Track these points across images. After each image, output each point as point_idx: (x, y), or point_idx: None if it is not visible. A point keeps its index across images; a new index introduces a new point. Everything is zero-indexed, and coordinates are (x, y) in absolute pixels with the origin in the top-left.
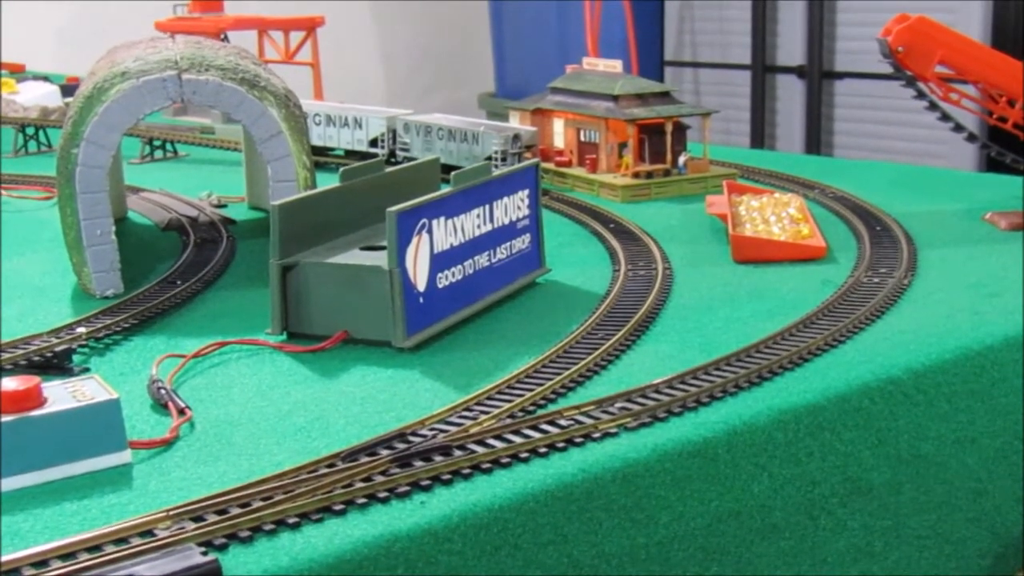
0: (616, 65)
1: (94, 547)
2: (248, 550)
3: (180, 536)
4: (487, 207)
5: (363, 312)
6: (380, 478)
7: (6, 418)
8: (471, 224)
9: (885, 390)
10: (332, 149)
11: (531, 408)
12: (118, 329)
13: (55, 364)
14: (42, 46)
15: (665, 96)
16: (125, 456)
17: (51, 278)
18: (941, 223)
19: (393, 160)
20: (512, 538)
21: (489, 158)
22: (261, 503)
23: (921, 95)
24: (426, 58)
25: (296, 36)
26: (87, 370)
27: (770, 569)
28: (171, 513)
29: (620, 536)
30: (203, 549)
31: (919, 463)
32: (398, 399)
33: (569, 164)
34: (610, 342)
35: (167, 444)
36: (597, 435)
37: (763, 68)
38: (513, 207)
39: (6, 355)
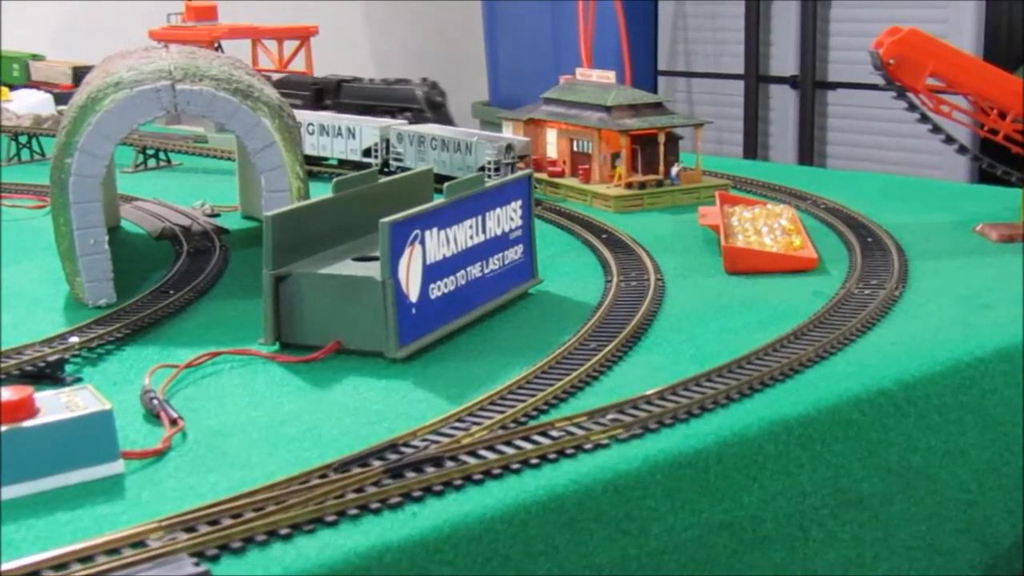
0: (609, 75)
1: (86, 558)
2: (240, 561)
3: (172, 546)
4: (480, 218)
5: (356, 323)
6: (372, 489)
7: None
8: (464, 235)
9: (876, 402)
10: (325, 159)
11: (523, 419)
12: (111, 339)
13: (48, 374)
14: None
15: (658, 107)
16: (118, 466)
17: (44, 287)
18: (932, 235)
19: (386, 170)
20: (503, 549)
21: (482, 168)
22: (253, 513)
23: (912, 107)
24: (420, 67)
25: (290, 45)
26: (80, 380)
27: None
28: (163, 523)
29: (611, 547)
30: (195, 560)
31: (909, 474)
32: (390, 410)
33: (562, 174)
34: (602, 353)
35: (159, 454)
36: (588, 446)
37: (756, 78)
38: (506, 218)
39: None
